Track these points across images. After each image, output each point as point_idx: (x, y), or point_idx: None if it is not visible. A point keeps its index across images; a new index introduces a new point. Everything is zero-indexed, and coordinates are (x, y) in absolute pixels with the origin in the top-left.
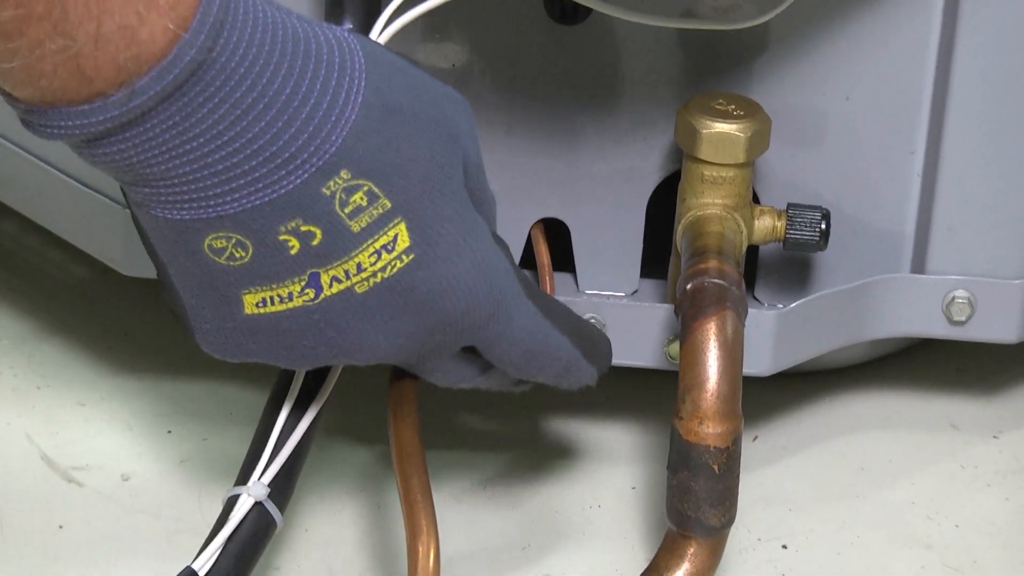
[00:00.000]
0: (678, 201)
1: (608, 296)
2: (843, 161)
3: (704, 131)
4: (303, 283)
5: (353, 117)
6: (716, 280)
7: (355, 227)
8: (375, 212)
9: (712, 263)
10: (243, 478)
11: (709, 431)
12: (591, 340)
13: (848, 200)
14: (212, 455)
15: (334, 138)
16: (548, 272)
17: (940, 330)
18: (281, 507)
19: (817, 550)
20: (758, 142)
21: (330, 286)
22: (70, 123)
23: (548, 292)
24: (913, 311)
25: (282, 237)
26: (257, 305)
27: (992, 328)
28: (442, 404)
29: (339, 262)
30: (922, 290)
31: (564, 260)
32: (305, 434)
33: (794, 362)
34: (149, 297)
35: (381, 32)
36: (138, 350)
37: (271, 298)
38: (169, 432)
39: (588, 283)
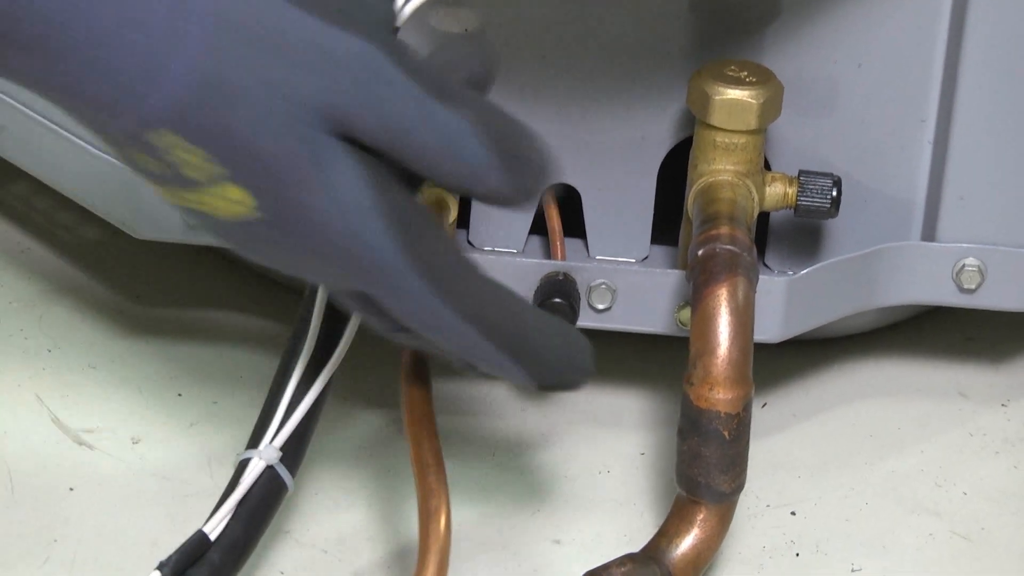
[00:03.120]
0: (689, 167)
1: (619, 262)
2: (855, 128)
3: (717, 97)
4: (173, 193)
5: (182, 92)
6: (728, 246)
7: (190, 174)
8: (212, 172)
9: (724, 229)
10: (254, 441)
11: (720, 397)
12: (522, 342)
13: (859, 167)
14: (222, 418)
15: (159, 108)
16: (559, 238)
17: (950, 298)
18: (292, 471)
19: (825, 517)
20: (770, 109)
21: (198, 204)
22: None
23: (558, 258)
24: (923, 279)
25: (136, 156)
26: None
27: (1002, 296)
28: (453, 370)
29: (187, 192)
30: (932, 258)
31: (575, 226)
32: (317, 398)
33: (804, 329)
34: (160, 259)
35: (403, 7)
36: (149, 313)
37: (162, 190)
38: (179, 395)
39: (599, 249)
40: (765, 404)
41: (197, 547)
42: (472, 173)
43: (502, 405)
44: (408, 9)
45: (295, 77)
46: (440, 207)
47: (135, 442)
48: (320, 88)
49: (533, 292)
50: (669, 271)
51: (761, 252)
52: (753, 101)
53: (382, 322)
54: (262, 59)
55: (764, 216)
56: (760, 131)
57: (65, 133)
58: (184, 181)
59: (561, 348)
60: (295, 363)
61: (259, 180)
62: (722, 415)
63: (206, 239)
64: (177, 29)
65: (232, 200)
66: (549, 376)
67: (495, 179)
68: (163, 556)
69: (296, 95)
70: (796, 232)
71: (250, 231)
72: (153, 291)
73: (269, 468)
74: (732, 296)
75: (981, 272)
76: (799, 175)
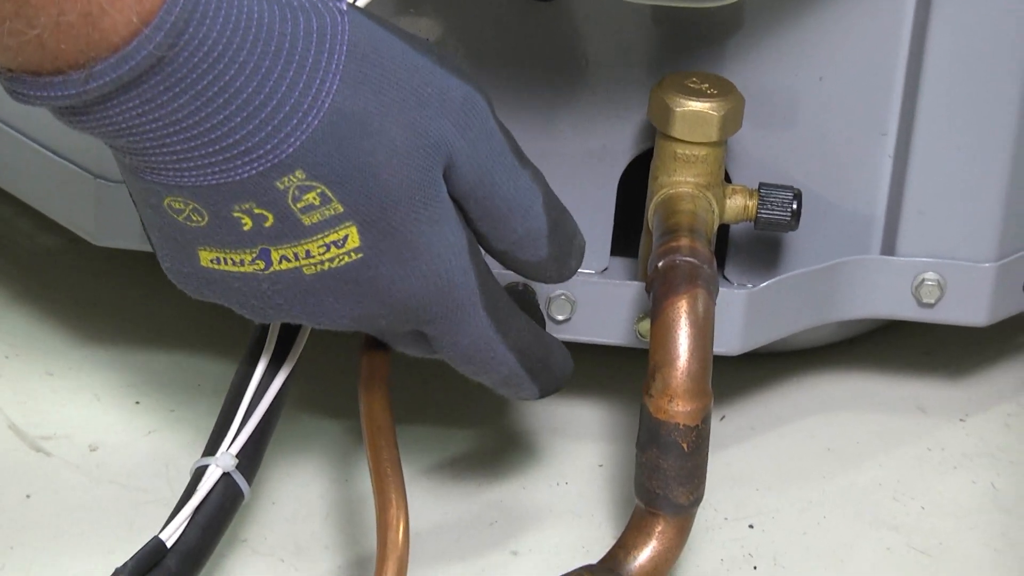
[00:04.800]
0: (650, 179)
1: (579, 273)
2: (815, 142)
3: (677, 109)
4: (254, 255)
5: (315, 123)
6: (688, 258)
7: (306, 221)
8: (327, 212)
9: (684, 241)
10: (211, 449)
11: (679, 409)
12: (543, 362)
13: (820, 181)
14: (180, 426)
15: (292, 140)
16: None
17: (909, 312)
18: (249, 478)
19: (783, 530)
20: (731, 121)
21: (279, 263)
22: (36, 93)
23: None
24: (883, 293)
25: (235, 214)
26: (211, 261)
27: (961, 311)
28: (411, 379)
29: (289, 245)
30: (892, 272)
31: None
32: (273, 405)
33: (763, 342)
34: (119, 267)
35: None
36: (107, 320)
37: (224, 259)
38: (137, 403)
39: None
40: (724, 417)
41: (153, 554)
42: (531, 238)
43: (461, 415)
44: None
45: (424, 114)
46: None
47: (92, 449)
48: (444, 127)
49: None
50: (629, 283)
51: (721, 265)
52: (714, 113)
53: (422, 352)
54: (393, 93)
55: (724, 228)
56: (721, 143)
57: (25, 139)
58: (281, 233)
59: (557, 363)
60: (252, 371)
61: (374, 216)
62: (681, 427)
63: None
64: (316, 60)
65: (336, 242)
66: (552, 387)
67: (545, 249)
68: (119, 563)
69: (425, 131)
70: (756, 245)
71: (329, 282)
72: (111, 299)
73: (225, 475)
74: (692, 308)
75: (940, 287)
76: (759, 188)
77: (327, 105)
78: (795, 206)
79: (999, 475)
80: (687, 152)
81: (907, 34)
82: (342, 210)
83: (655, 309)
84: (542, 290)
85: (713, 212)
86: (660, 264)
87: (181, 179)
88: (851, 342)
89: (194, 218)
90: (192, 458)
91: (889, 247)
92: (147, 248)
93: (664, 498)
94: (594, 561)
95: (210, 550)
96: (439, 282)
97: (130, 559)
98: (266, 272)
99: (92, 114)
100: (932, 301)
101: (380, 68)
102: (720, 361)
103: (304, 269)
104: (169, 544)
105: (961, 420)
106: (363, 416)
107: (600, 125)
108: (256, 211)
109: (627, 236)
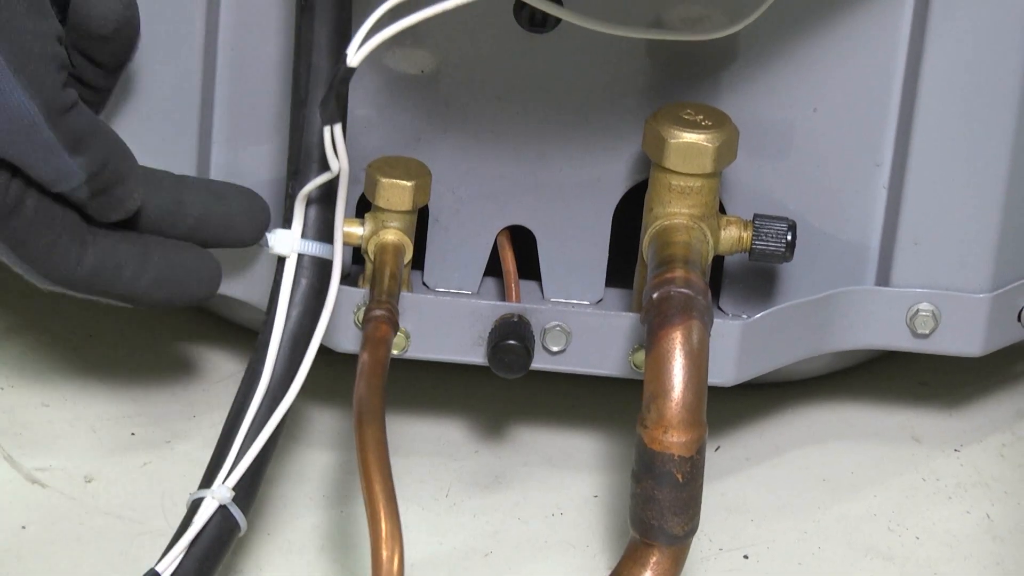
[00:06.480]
0: (645, 210)
1: (574, 304)
2: (810, 173)
3: (672, 141)
4: None
5: None
6: (682, 289)
7: None
8: None
9: (679, 272)
10: (207, 481)
11: (673, 440)
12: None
13: (814, 212)
14: (176, 458)
15: None
16: (514, 280)
17: (904, 343)
18: (245, 511)
19: (778, 560)
20: (726, 152)
21: None
22: None
23: (513, 300)
24: (877, 323)
25: None
26: None
27: (956, 341)
28: (406, 412)
29: None
30: (887, 302)
31: (530, 268)
32: (270, 438)
33: (758, 373)
34: None
35: (359, 49)
36: (103, 351)
37: None
38: (133, 434)
39: (554, 291)
40: (719, 447)
41: None
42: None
43: (456, 446)
44: (364, 51)
45: None
46: (397, 250)
47: (88, 481)
48: None
49: (488, 333)
50: (624, 314)
51: (715, 296)
52: (708, 145)
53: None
54: None
55: (719, 259)
56: (715, 175)
57: None
58: None
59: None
60: (249, 403)
61: None
62: (676, 458)
63: None
64: None
65: None
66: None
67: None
68: None
69: None
70: (751, 276)
71: None
72: (107, 329)
73: (222, 508)
74: (687, 339)
75: (935, 317)
76: (754, 219)
77: None
78: (789, 237)
79: (993, 505)
80: (682, 183)
81: (901, 65)
82: None
83: (650, 340)
84: (537, 322)
85: (708, 243)
86: (655, 295)
87: None
88: (846, 373)
89: None
90: (188, 490)
91: (884, 278)
92: None
93: (659, 529)
94: None
95: None
96: None
97: None
98: None
99: None
100: (927, 332)
101: None
102: (715, 392)
103: None
104: None
105: (956, 450)
106: (358, 448)
107: (595, 156)
108: None
109: (622, 267)
